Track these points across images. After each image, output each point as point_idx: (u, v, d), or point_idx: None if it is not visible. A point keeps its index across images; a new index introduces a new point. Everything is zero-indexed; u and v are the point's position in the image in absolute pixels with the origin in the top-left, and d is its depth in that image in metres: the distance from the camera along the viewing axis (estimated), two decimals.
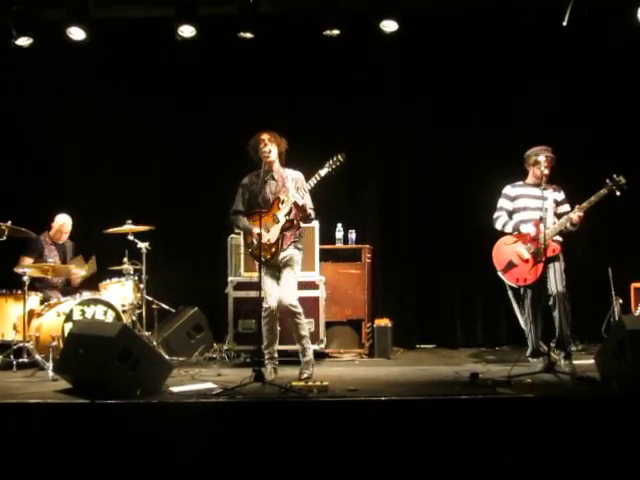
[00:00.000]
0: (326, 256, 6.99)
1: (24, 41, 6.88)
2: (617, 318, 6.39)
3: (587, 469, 4.16)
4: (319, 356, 6.70)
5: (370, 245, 7.38)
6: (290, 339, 6.41)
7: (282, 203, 5.59)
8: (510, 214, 6.13)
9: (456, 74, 7.58)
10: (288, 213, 5.58)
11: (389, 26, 6.86)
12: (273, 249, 5.56)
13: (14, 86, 7.52)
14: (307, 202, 5.65)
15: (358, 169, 7.79)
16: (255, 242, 5.56)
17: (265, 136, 5.61)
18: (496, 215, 6.17)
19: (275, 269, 5.61)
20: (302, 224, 5.79)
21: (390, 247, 7.79)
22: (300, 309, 5.59)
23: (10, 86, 7.50)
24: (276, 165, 5.71)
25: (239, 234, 6.38)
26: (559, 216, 5.96)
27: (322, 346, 6.59)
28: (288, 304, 5.52)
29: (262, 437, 4.31)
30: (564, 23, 6.59)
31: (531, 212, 5.94)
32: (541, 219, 5.69)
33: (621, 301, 6.62)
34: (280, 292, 5.56)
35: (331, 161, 5.57)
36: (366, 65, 7.67)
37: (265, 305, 5.55)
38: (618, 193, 5.77)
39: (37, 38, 6.89)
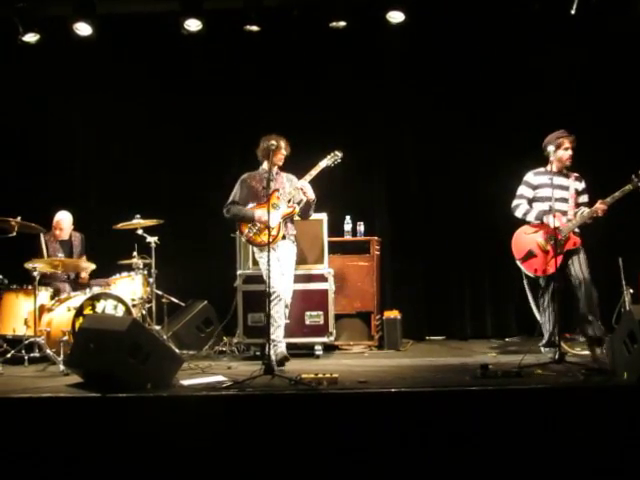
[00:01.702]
0: (335, 248, 6.98)
1: (31, 37, 6.90)
2: (627, 308, 6.36)
3: (597, 459, 4.16)
4: (329, 348, 6.73)
5: (379, 237, 7.38)
6: (299, 331, 6.46)
7: (281, 195, 5.93)
8: (530, 202, 6.03)
9: (463, 65, 7.54)
10: (289, 201, 5.93)
11: (396, 17, 6.84)
12: (273, 232, 5.74)
13: (20, 83, 7.55)
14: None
15: (366, 161, 7.80)
16: (253, 229, 5.90)
17: (282, 146, 5.90)
18: (516, 203, 6.06)
19: (274, 255, 5.70)
20: (300, 217, 6.07)
21: (399, 239, 7.78)
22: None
23: (16, 83, 7.52)
24: (276, 168, 6.02)
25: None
26: (578, 206, 5.93)
27: (331, 338, 6.59)
28: (287, 300, 5.92)
29: (272, 429, 4.32)
30: (572, 12, 6.55)
31: (555, 203, 5.75)
32: (551, 209, 5.65)
33: (632, 291, 6.57)
34: (284, 288, 5.83)
35: (329, 156, 5.97)
36: (372, 57, 7.64)
37: (271, 290, 5.67)
38: None
39: (43, 34, 6.91)
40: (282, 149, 5.90)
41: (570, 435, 4.21)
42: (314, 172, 5.92)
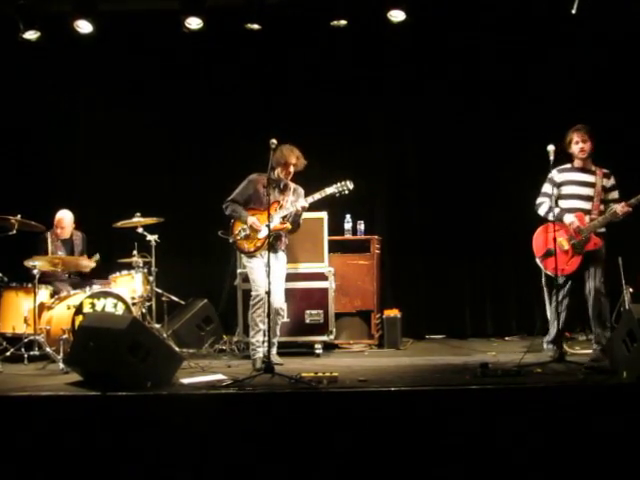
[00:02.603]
0: (335, 247, 6.98)
1: (31, 35, 6.88)
2: (627, 307, 6.36)
3: (597, 458, 4.16)
4: (328, 347, 6.73)
5: (379, 236, 7.38)
6: (299, 330, 6.46)
7: (280, 208, 5.90)
8: (555, 199, 5.86)
9: (464, 65, 7.53)
10: (284, 217, 5.89)
11: (397, 16, 6.83)
12: (258, 244, 5.81)
13: (21, 81, 7.55)
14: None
15: (366, 160, 7.78)
16: (243, 233, 5.89)
17: (294, 162, 5.84)
18: (540, 200, 5.93)
19: (262, 261, 5.70)
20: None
21: (399, 238, 7.77)
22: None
23: (17, 81, 7.52)
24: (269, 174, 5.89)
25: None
26: (606, 202, 5.82)
27: (332, 337, 6.60)
28: (279, 307, 5.91)
29: (272, 428, 4.33)
30: (573, 11, 6.54)
31: (578, 201, 5.77)
32: (551, 209, 5.63)
33: (631, 290, 6.58)
34: (274, 294, 5.68)
35: (339, 184, 5.92)
36: (373, 56, 7.62)
37: (255, 293, 5.80)
38: None
39: (44, 32, 6.90)
40: (290, 166, 5.85)
41: (570, 434, 4.22)
42: (318, 196, 5.92)
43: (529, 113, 7.35)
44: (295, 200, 5.96)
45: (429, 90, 7.65)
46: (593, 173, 5.82)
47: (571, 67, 7.26)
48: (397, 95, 7.71)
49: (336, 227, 7.07)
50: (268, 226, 5.45)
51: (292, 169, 5.90)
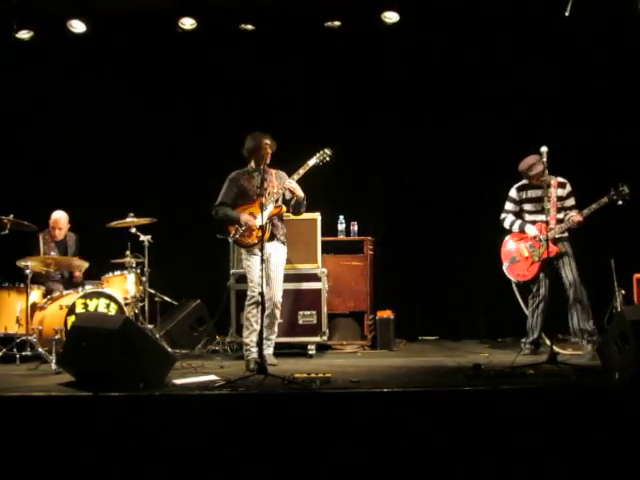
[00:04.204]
0: (328, 248, 6.98)
1: (24, 34, 6.87)
2: (619, 309, 6.39)
3: (589, 459, 4.17)
4: (321, 348, 6.73)
5: (372, 237, 7.37)
6: (292, 331, 6.46)
7: (269, 195, 5.82)
8: (517, 214, 6.36)
9: (460, 66, 7.54)
10: (276, 200, 5.85)
11: (391, 17, 6.85)
12: (260, 234, 5.69)
13: (15, 80, 7.53)
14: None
15: (360, 161, 7.79)
16: (240, 230, 5.83)
17: (269, 142, 5.81)
18: (502, 216, 6.43)
19: (261, 258, 5.49)
20: (292, 214, 6.01)
21: (392, 239, 7.77)
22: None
23: (11, 80, 7.51)
24: (263, 165, 5.87)
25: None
26: (565, 209, 6.16)
27: (324, 338, 6.60)
28: (277, 301, 5.86)
29: (264, 429, 4.32)
30: (566, 13, 6.55)
31: (537, 215, 6.13)
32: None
33: (624, 292, 6.61)
34: (271, 290, 5.80)
35: (318, 154, 5.88)
36: (370, 56, 7.63)
37: (251, 293, 5.78)
38: (620, 202, 5.94)
39: (38, 31, 6.89)
40: (269, 147, 5.78)
41: (562, 435, 4.22)
42: (302, 171, 5.85)
43: (525, 116, 7.36)
44: (280, 184, 5.91)
45: (426, 91, 7.66)
46: (548, 185, 5.99)
47: (569, 69, 7.30)
48: (394, 95, 7.70)
49: (329, 228, 7.06)
50: (262, 227, 5.44)
51: (268, 149, 5.77)
